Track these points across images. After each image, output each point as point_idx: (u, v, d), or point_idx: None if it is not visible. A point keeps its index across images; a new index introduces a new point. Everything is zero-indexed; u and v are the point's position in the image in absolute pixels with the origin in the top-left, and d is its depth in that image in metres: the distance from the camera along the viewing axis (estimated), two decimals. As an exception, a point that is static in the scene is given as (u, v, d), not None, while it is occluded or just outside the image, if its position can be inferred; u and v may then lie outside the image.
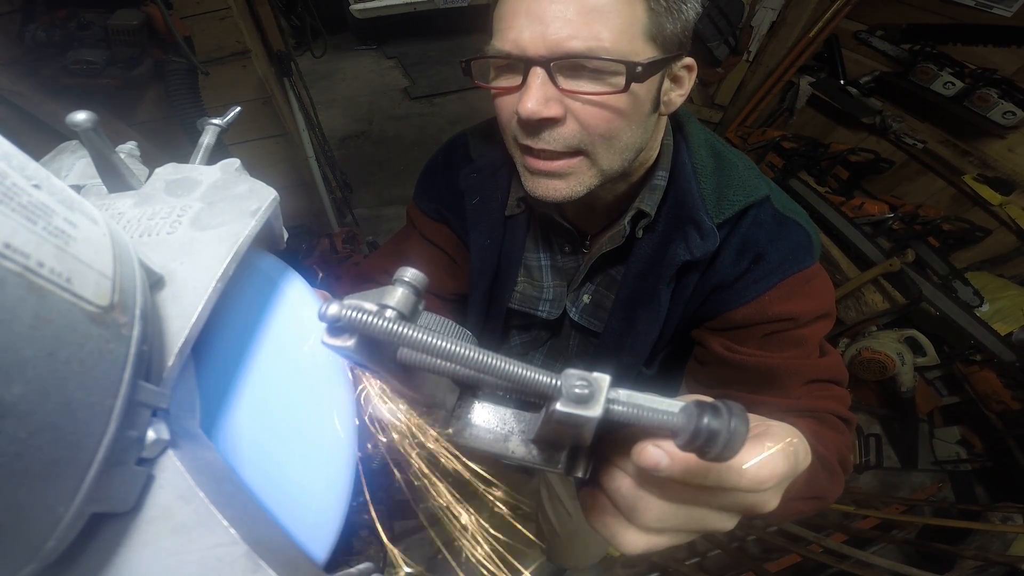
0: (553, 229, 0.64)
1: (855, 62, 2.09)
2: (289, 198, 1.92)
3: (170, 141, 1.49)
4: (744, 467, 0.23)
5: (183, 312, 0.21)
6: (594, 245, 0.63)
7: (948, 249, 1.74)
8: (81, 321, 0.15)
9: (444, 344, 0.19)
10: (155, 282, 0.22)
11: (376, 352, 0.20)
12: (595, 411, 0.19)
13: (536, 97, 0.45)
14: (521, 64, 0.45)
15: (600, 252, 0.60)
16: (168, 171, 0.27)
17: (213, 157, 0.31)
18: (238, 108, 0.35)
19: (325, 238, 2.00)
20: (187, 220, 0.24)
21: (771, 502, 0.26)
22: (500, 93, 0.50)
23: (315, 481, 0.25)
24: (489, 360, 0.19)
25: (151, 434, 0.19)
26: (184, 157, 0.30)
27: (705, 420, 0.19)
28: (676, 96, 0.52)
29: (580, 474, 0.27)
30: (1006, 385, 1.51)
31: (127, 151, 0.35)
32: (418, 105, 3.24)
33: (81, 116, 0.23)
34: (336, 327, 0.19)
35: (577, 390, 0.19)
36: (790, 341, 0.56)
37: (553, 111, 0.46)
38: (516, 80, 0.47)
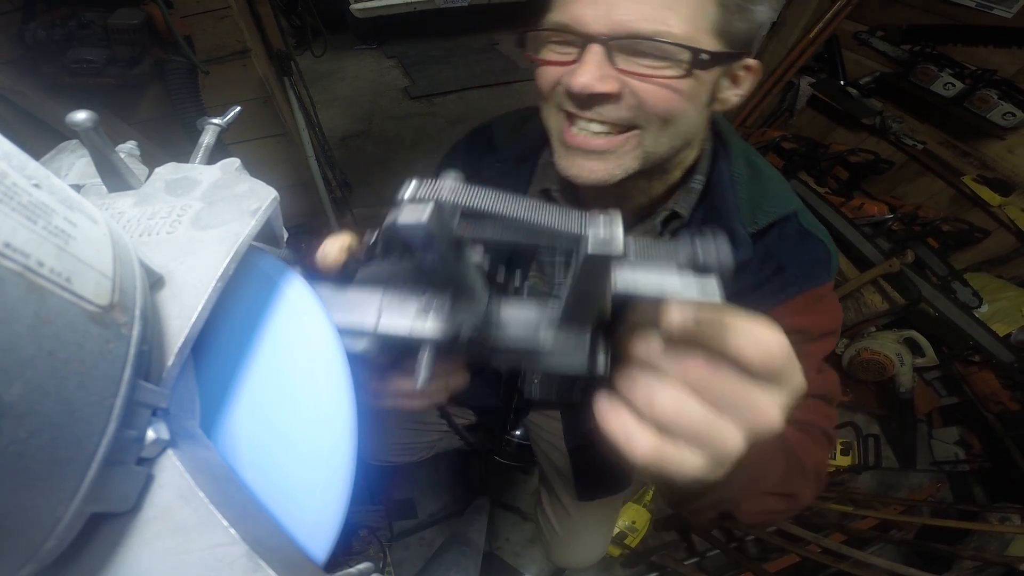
0: None
1: (855, 63, 2.09)
2: (289, 198, 1.91)
3: (170, 140, 1.49)
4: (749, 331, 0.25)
5: (183, 312, 0.21)
6: None
7: (947, 250, 1.74)
8: (81, 321, 0.15)
9: (500, 201, 0.21)
10: (155, 282, 0.22)
11: (438, 230, 0.21)
12: (618, 247, 0.21)
13: (591, 73, 0.44)
14: (579, 39, 0.45)
15: None
16: (168, 170, 0.27)
17: (213, 156, 0.31)
18: (238, 108, 0.35)
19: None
20: (187, 220, 0.24)
21: (775, 412, 0.25)
22: (550, 65, 0.48)
23: (315, 481, 0.25)
24: (533, 213, 0.21)
25: (151, 434, 0.19)
26: (184, 156, 0.30)
27: (697, 240, 0.24)
28: (732, 95, 0.52)
29: (601, 369, 0.27)
30: (1005, 386, 1.51)
31: (127, 150, 0.35)
32: (418, 105, 3.24)
33: (81, 115, 0.23)
34: (413, 202, 0.21)
35: (602, 230, 0.21)
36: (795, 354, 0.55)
37: (609, 87, 0.45)
38: (570, 54, 0.46)
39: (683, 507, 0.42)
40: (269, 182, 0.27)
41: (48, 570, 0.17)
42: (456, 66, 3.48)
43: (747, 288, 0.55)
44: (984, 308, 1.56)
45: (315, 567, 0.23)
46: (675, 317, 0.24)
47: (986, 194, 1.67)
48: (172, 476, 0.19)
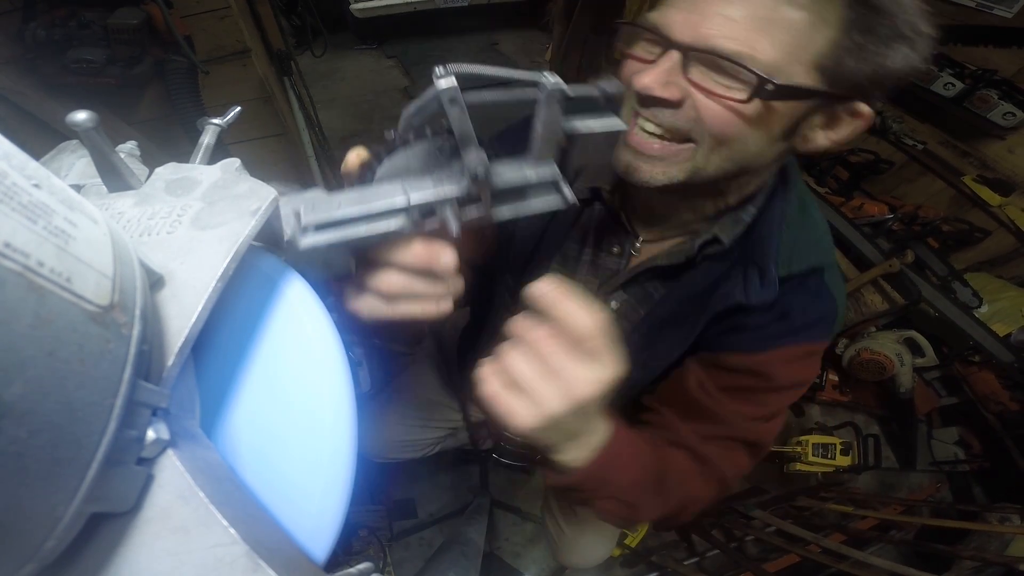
0: (610, 227, 0.62)
1: (855, 63, 2.09)
2: (289, 197, 1.90)
3: (170, 140, 1.49)
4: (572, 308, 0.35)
5: (183, 312, 0.21)
6: (645, 253, 0.61)
7: (947, 250, 1.74)
8: (81, 321, 0.15)
9: (488, 67, 0.30)
10: (155, 282, 0.22)
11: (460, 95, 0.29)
12: (563, 84, 0.31)
13: (657, 77, 0.44)
14: (663, 42, 0.45)
15: (652, 264, 0.58)
16: (168, 171, 0.27)
17: (213, 156, 0.31)
18: (238, 108, 0.35)
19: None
20: (187, 220, 0.24)
21: (590, 385, 0.35)
22: (633, 60, 0.48)
23: (315, 481, 0.25)
24: (508, 71, 0.31)
25: (151, 434, 0.19)
26: (184, 156, 0.30)
27: (601, 82, 0.34)
28: (822, 137, 0.48)
29: (570, 198, 0.35)
30: (1004, 386, 1.51)
31: (127, 151, 0.35)
32: (418, 105, 3.23)
33: (81, 116, 0.23)
34: (443, 77, 0.28)
35: (551, 78, 0.30)
36: (753, 399, 0.56)
37: (669, 93, 0.44)
38: (653, 55, 0.46)
39: (553, 482, 0.48)
40: (269, 182, 0.27)
41: (48, 570, 0.17)
42: (456, 66, 3.47)
43: (744, 326, 0.54)
44: (984, 308, 1.56)
45: (315, 567, 0.23)
46: (534, 291, 0.35)
47: (986, 194, 1.67)
48: (172, 476, 0.19)
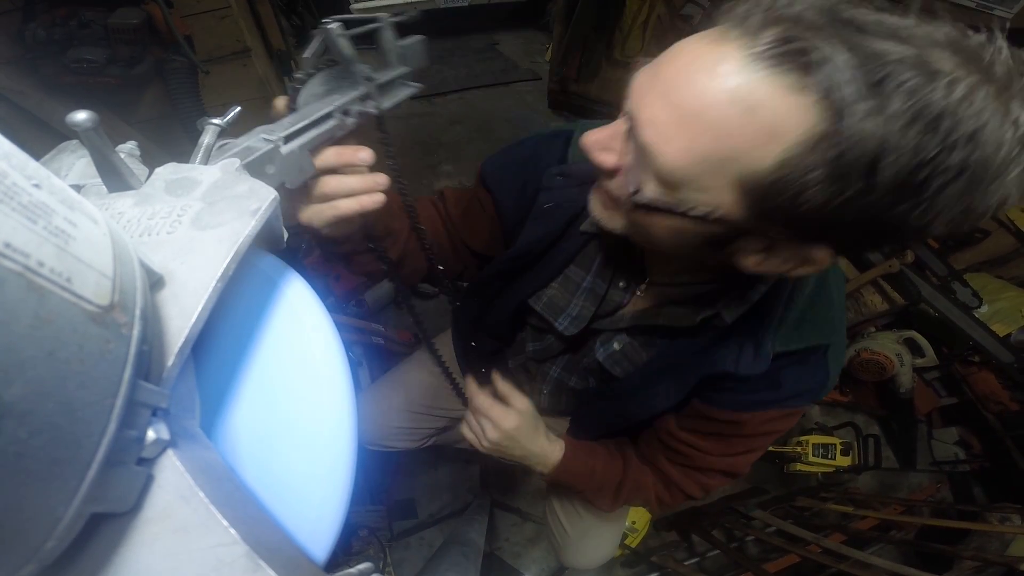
0: (619, 262, 0.60)
1: (855, 63, 2.09)
2: (289, 197, 1.90)
3: (170, 140, 1.49)
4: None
5: (183, 312, 0.21)
6: (651, 293, 0.59)
7: (947, 250, 1.74)
8: (81, 321, 0.15)
9: (354, 16, 0.42)
10: (155, 282, 0.22)
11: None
12: (391, 18, 0.46)
13: (599, 140, 0.41)
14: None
15: (654, 323, 0.57)
16: (168, 171, 0.27)
17: (213, 157, 0.31)
18: (238, 108, 0.35)
19: (325, 237, 2.00)
20: (187, 220, 0.24)
21: (491, 432, 0.64)
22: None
23: (315, 480, 0.25)
24: (363, 15, 0.44)
25: (151, 434, 0.19)
26: (184, 156, 0.30)
27: (405, 13, 0.48)
28: (753, 263, 0.40)
29: (417, 86, 0.51)
30: (1004, 386, 1.51)
31: (127, 151, 0.35)
32: (418, 105, 3.24)
33: (81, 116, 0.23)
34: (333, 22, 0.41)
35: (384, 16, 0.46)
36: (724, 442, 0.60)
37: (602, 159, 0.41)
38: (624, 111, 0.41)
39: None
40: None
41: (48, 570, 0.17)
42: (456, 66, 3.48)
43: (735, 387, 0.54)
44: (984, 308, 1.56)
45: (315, 567, 0.23)
46: (468, 389, 0.67)
47: (986, 194, 1.67)
48: (172, 476, 0.19)
